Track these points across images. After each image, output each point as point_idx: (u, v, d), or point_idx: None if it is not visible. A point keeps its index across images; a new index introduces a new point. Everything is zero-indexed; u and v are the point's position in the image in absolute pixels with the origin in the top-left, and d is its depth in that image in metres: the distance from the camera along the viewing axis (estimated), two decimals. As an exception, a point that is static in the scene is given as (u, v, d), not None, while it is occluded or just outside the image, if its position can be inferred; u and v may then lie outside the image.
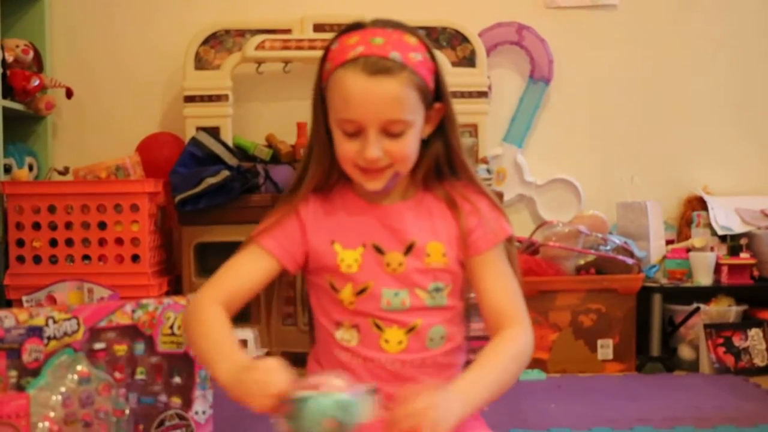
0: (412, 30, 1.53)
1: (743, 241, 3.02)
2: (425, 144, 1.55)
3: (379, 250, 1.53)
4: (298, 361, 2.77)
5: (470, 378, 1.41)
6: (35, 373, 1.61)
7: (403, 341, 1.52)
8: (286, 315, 2.90)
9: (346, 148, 1.48)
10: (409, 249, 1.53)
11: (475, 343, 1.59)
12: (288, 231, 1.56)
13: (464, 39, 3.14)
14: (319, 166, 1.58)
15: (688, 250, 3.04)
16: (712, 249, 3.03)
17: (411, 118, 1.48)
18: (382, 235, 1.54)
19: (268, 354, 2.84)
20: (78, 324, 1.69)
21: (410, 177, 1.57)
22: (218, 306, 1.48)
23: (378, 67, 1.45)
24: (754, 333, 2.86)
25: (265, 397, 1.30)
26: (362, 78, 1.45)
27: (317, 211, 1.56)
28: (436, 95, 1.54)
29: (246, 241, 1.54)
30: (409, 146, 1.50)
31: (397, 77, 1.46)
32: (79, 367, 1.62)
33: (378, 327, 1.52)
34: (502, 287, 1.54)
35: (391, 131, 1.46)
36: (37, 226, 2.78)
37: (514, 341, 1.50)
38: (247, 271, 1.51)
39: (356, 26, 1.52)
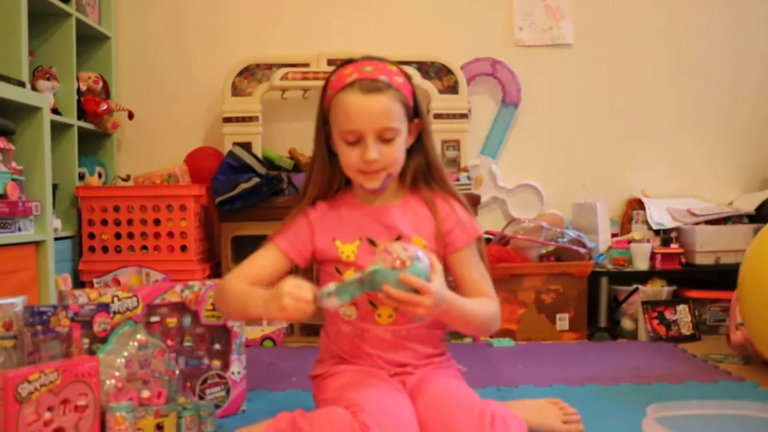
0: (393, 62, 1.58)
1: (673, 235, 3.02)
2: (408, 155, 1.58)
3: (372, 242, 1.56)
4: (312, 331, 2.80)
5: (456, 296, 1.46)
6: (103, 340, 1.62)
7: (393, 315, 1.55)
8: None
9: (349, 156, 1.51)
10: (396, 240, 1.55)
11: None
12: (298, 232, 1.59)
13: (449, 71, 3.14)
14: (320, 177, 1.60)
15: (629, 241, 3.03)
16: (648, 241, 3.02)
17: (398, 126, 1.51)
18: (376, 229, 1.57)
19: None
20: (138, 301, 1.70)
21: (400, 183, 1.61)
22: (240, 281, 1.52)
23: (371, 87, 1.49)
24: (682, 308, 2.86)
25: (301, 303, 1.32)
26: (359, 96, 1.49)
27: (323, 214, 1.60)
28: (415, 113, 1.57)
29: (266, 240, 1.59)
30: (398, 150, 1.53)
31: (386, 94, 1.50)
32: (138, 336, 1.63)
33: (372, 304, 1.54)
34: (478, 276, 1.58)
35: (384, 137, 1.50)
36: (104, 222, 2.79)
37: (489, 303, 1.56)
38: (262, 263, 1.56)
39: (349, 61, 1.55)
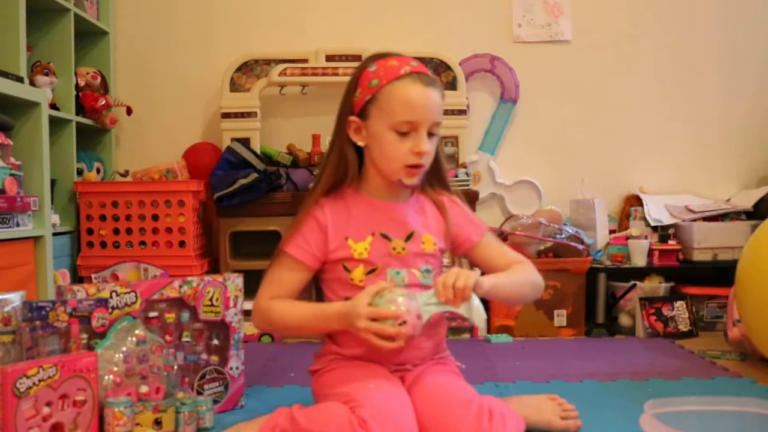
0: None
1: (671, 231, 3.03)
2: None
3: (386, 238, 1.56)
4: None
5: (493, 275, 1.55)
6: (102, 335, 1.62)
7: None
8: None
9: (398, 147, 1.51)
10: (409, 236, 1.57)
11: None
12: (309, 237, 1.57)
13: (447, 67, 3.13)
14: (336, 169, 1.59)
15: (627, 238, 3.04)
16: (646, 237, 3.03)
17: (441, 123, 1.56)
18: (389, 225, 1.57)
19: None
20: (136, 297, 1.70)
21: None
22: (280, 302, 1.56)
23: (429, 80, 1.53)
24: (679, 305, 2.86)
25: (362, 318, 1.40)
26: (422, 88, 1.50)
27: (333, 213, 1.58)
28: None
29: (277, 251, 1.59)
30: (435, 147, 1.57)
31: (439, 89, 1.54)
32: (137, 331, 1.63)
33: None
34: (503, 252, 1.64)
35: (432, 132, 1.53)
36: (103, 217, 2.79)
37: (523, 267, 1.61)
38: (287, 280, 1.58)
39: (381, 55, 1.57)
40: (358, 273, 1.54)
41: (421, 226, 1.59)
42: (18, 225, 2.17)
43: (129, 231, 2.79)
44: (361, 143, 1.56)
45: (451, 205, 1.64)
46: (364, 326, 1.37)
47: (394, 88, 1.50)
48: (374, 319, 1.38)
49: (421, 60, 3.01)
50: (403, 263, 1.55)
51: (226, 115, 3.06)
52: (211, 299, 1.81)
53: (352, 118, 1.55)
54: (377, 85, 1.51)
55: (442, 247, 1.61)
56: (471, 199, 2.87)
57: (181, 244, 2.79)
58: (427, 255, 1.58)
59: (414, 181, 1.54)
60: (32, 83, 2.61)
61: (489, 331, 2.86)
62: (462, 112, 3.13)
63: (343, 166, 1.58)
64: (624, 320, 2.93)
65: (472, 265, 1.70)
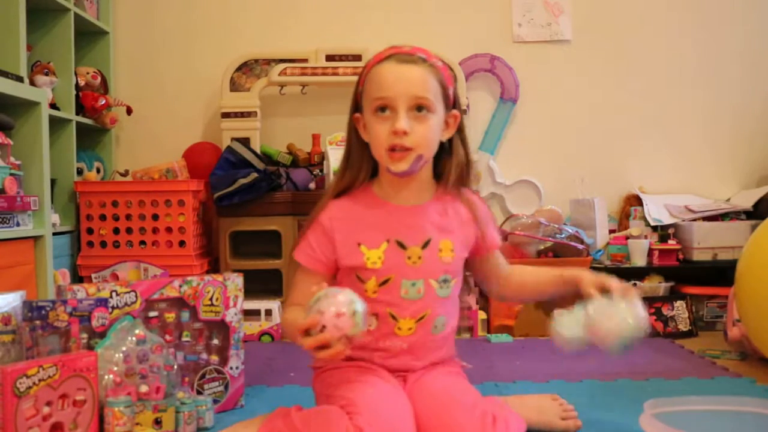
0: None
1: (671, 231, 3.02)
2: (450, 153, 1.52)
3: (401, 245, 1.48)
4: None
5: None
6: (102, 335, 1.62)
7: (413, 328, 1.49)
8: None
9: (378, 130, 1.43)
10: (426, 244, 1.49)
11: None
12: (314, 244, 1.51)
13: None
14: (340, 175, 1.54)
15: (627, 237, 3.03)
16: (646, 237, 3.02)
17: (433, 101, 1.44)
18: (405, 232, 1.49)
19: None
20: (136, 296, 1.70)
21: (436, 183, 1.55)
22: (291, 309, 1.49)
23: (407, 59, 1.45)
24: (679, 304, 2.85)
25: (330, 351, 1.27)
26: (394, 65, 1.44)
27: (341, 216, 1.51)
28: (454, 105, 1.52)
29: (291, 258, 1.54)
30: (431, 130, 1.45)
31: (421, 66, 1.45)
32: (137, 331, 1.63)
33: (393, 317, 1.48)
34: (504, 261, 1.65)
35: (418, 107, 1.42)
36: (103, 217, 2.79)
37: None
38: (301, 287, 1.49)
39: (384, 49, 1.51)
40: (371, 284, 1.47)
41: (439, 231, 1.50)
42: (18, 225, 2.17)
43: (129, 231, 2.79)
44: (367, 140, 1.49)
45: (482, 206, 1.58)
46: (301, 343, 1.26)
47: (372, 72, 1.45)
48: (308, 332, 1.25)
49: (421, 60, 3.08)
50: (419, 273, 1.48)
51: (226, 115, 3.06)
52: (211, 299, 1.80)
53: (356, 115, 1.50)
54: (364, 74, 1.48)
55: (462, 254, 1.53)
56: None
57: (181, 243, 2.79)
58: (445, 264, 1.50)
59: (404, 165, 1.43)
60: (32, 83, 2.61)
61: (489, 330, 2.86)
62: (462, 112, 3.12)
63: (347, 168, 1.53)
64: (624, 320, 2.92)
65: (470, 271, 1.63)
